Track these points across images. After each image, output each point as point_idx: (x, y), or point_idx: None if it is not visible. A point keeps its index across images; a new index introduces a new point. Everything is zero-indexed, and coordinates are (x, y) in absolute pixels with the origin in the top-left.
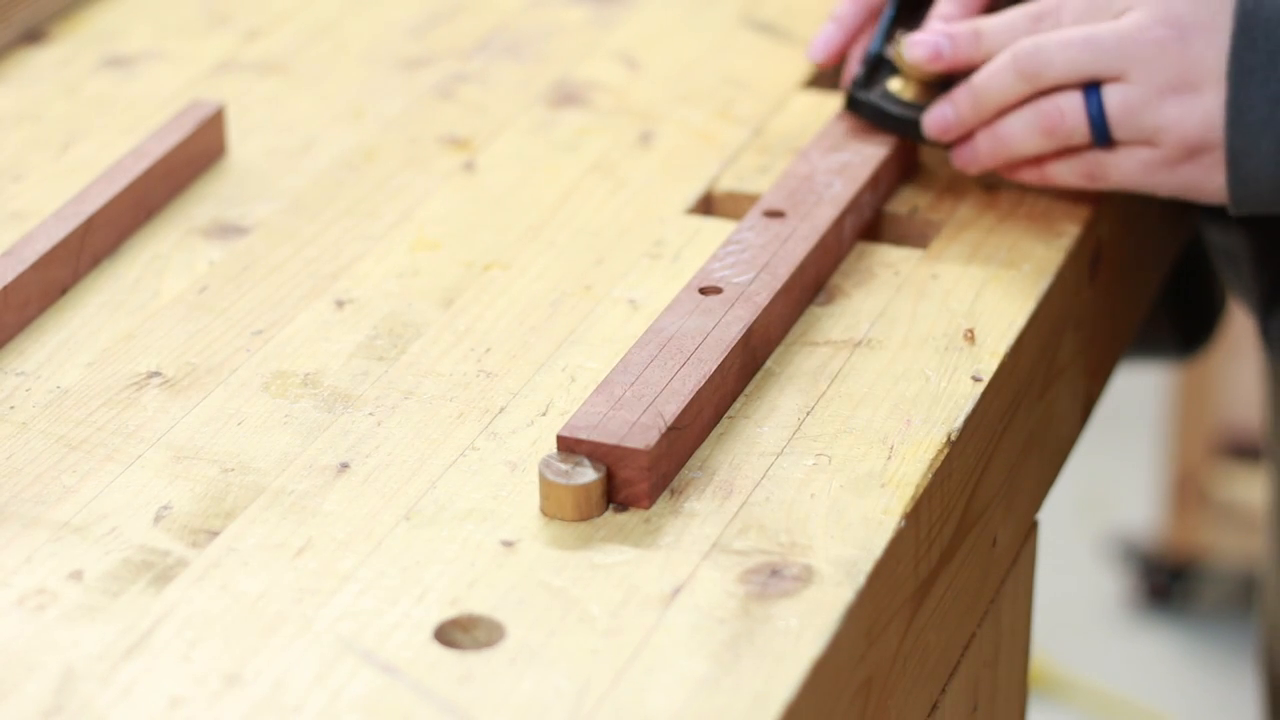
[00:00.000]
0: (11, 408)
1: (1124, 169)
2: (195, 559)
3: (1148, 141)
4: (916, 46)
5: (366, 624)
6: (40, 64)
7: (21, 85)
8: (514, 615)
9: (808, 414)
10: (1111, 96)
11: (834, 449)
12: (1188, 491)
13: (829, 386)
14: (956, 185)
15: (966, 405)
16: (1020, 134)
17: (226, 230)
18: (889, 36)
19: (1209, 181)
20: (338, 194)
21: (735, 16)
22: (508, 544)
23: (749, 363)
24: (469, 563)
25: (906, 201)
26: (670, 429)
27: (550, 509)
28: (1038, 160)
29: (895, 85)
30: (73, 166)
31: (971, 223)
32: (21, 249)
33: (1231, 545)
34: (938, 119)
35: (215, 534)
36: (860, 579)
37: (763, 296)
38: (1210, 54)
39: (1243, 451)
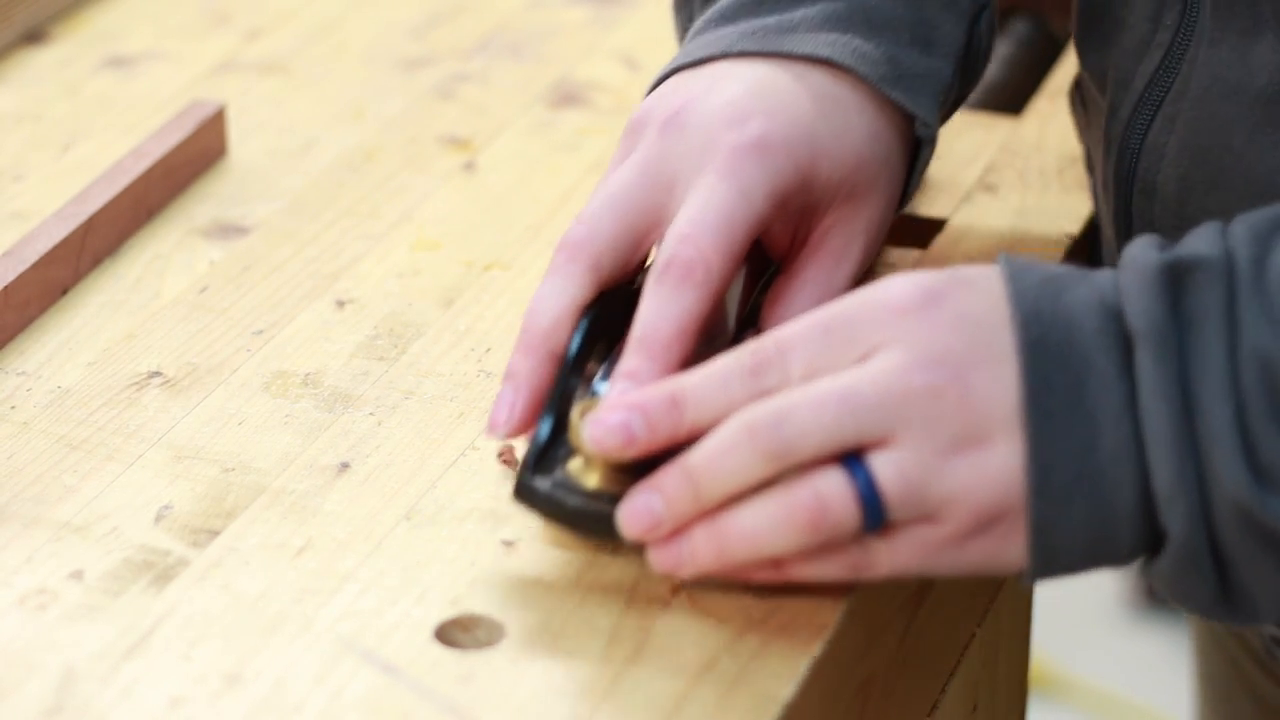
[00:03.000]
0: (12, 407)
1: (899, 556)
2: (196, 559)
3: (929, 517)
4: (598, 429)
5: (367, 624)
6: (41, 64)
7: (22, 85)
8: (515, 615)
9: None
10: (884, 469)
11: None
12: None
13: None
14: (956, 185)
15: None
16: (769, 532)
17: (227, 230)
18: (566, 400)
19: (1003, 554)
20: (338, 194)
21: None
22: (508, 544)
23: None
24: (469, 563)
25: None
26: None
27: None
28: (775, 564)
29: (575, 466)
30: (73, 166)
31: (971, 223)
32: (22, 249)
33: None
34: (640, 514)
35: (216, 534)
36: None
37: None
38: (996, 394)
39: None
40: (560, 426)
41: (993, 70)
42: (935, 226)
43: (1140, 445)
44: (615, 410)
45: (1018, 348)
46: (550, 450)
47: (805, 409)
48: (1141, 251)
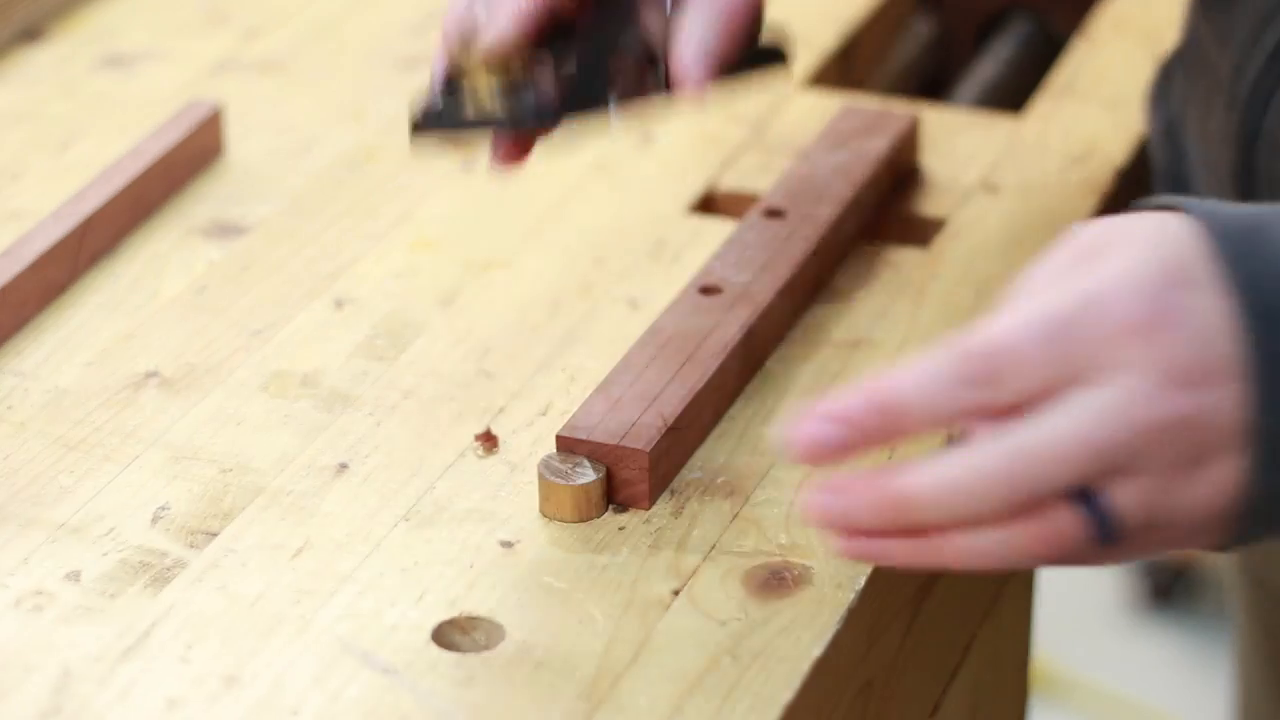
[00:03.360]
0: (9, 408)
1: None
2: (193, 560)
3: (1154, 533)
4: (805, 442)
5: (365, 625)
6: (39, 63)
7: (20, 84)
8: (514, 616)
9: None
10: (1125, 500)
11: None
12: None
13: (829, 386)
14: (956, 185)
15: None
16: (994, 552)
17: (225, 230)
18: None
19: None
20: (337, 194)
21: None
22: (507, 545)
23: (749, 363)
24: (468, 564)
25: (906, 201)
26: (670, 429)
27: (550, 509)
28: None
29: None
30: (71, 166)
31: (972, 223)
32: (19, 249)
33: None
34: (825, 499)
35: (213, 535)
36: (860, 580)
37: (763, 296)
38: (1223, 402)
39: None
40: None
41: (993, 70)
42: (935, 226)
43: None
44: (819, 421)
45: (1243, 312)
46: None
47: (1049, 452)
48: None
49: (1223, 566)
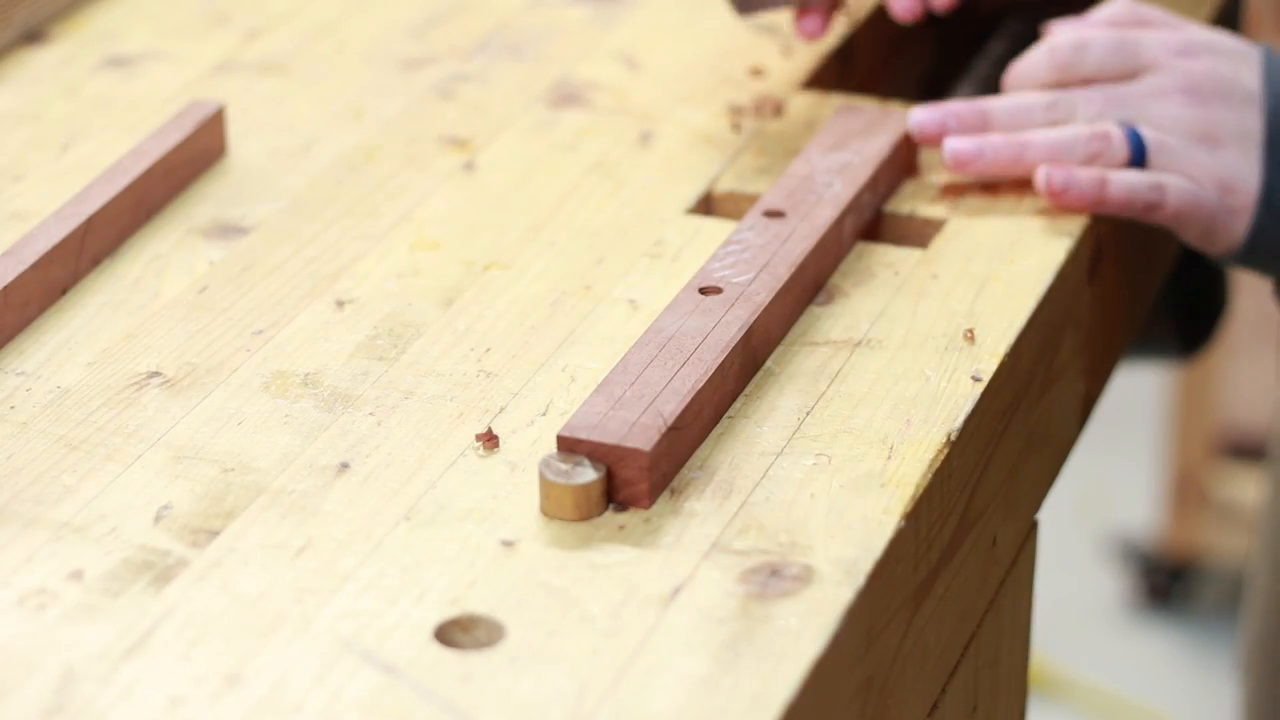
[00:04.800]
0: (12, 408)
1: (1176, 185)
2: (195, 559)
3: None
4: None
5: (366, 624)
6: (40, 64)
7: (22, 85)
8: (514, 615)
9: (808, 414)
10: (1149, 133)
11: (834, 449)
12: (1188, 491)
13: (829, 386)
14: (956, 185)
15: (966, 405)
16: (1065, 140)
17: (226, 230)
18: None
19: (1216, 227)
20: (338, 194)
21: (735, 16)
22: (508, 544)
23: (749, 363)
24: (469, 563)
25: (906, 201)
26: (670, 429)
27: (550, 509)
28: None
29: None
30: (73, 166)
31: (971, 223)
32: (21, 249)
33: (1231, 545)
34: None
35: (215, 534)
36: (860, 579)
37: (763, 296)
38: (1232, 121)
39: (1243, 451)
40: None
41: (991, 70)
42: (935, 226)
43: None
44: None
45: (1262, 110)
46: None
47: (1082, 97)
48: None
49: (1246, 557)
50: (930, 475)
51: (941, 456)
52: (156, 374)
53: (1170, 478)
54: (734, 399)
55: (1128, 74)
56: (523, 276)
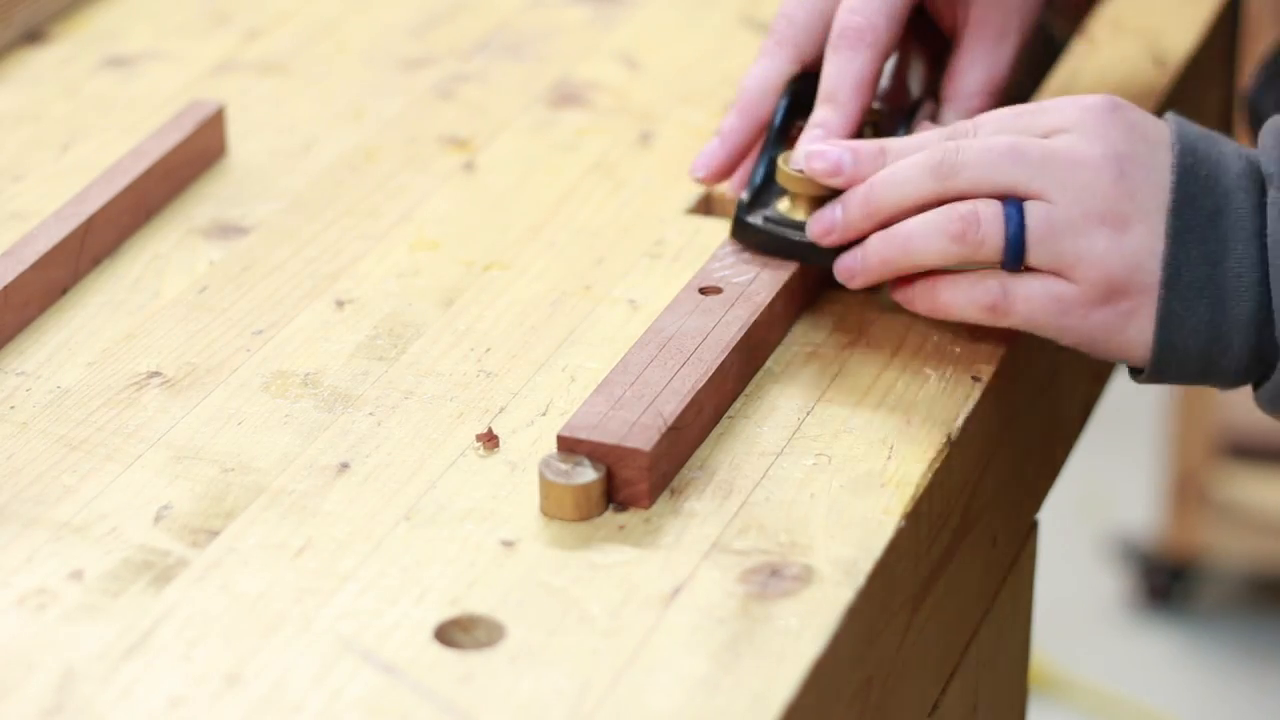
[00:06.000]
0: (12, 408)
1: (1032, 301)
2: (195, 559)
3: (1063, 272)
4: (816, 159)
5: (366, 624)
6: (40, 64)
7: (21, 85)
8: (514, 615)
9: (808, 414)
10: (1034, 212)
11: (834, 449)
12: (1188, 491)
13: (829, 386)
14: None
15: (966, 405)
16: (923, 236)
17: (226, 230)
18: (774, 156)
19: (1120, 333)
20: (338, 194)
21: (735, 16)
22: (508, 544)
23: (749, 363)
24: (469, 563)
25: None
26: (670, 429)
27: (550, 509)
28: (932, 280)
29: (784, 206)
30: (73, 166)
31: None
32: (21, 249)
33: (1231, 545)
34: (822, 220)
35: (215, 534)
36: (860, 579)
37: (763, 296)
38: (1144, 192)
39: (1243, 451)
40: (765, 186)
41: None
42: None
43: (1264, 268)
44: (834, 147)
45: (1173, 167)
46: (759, 197)
47: (978, 149)
48: (1277, 119)
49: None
50: (930, 475)
51: (942, 457)
52: (156, 374)
53: (1170, 478)
54: (734, 399)
55: (1038, 134)
56: (523, 276)
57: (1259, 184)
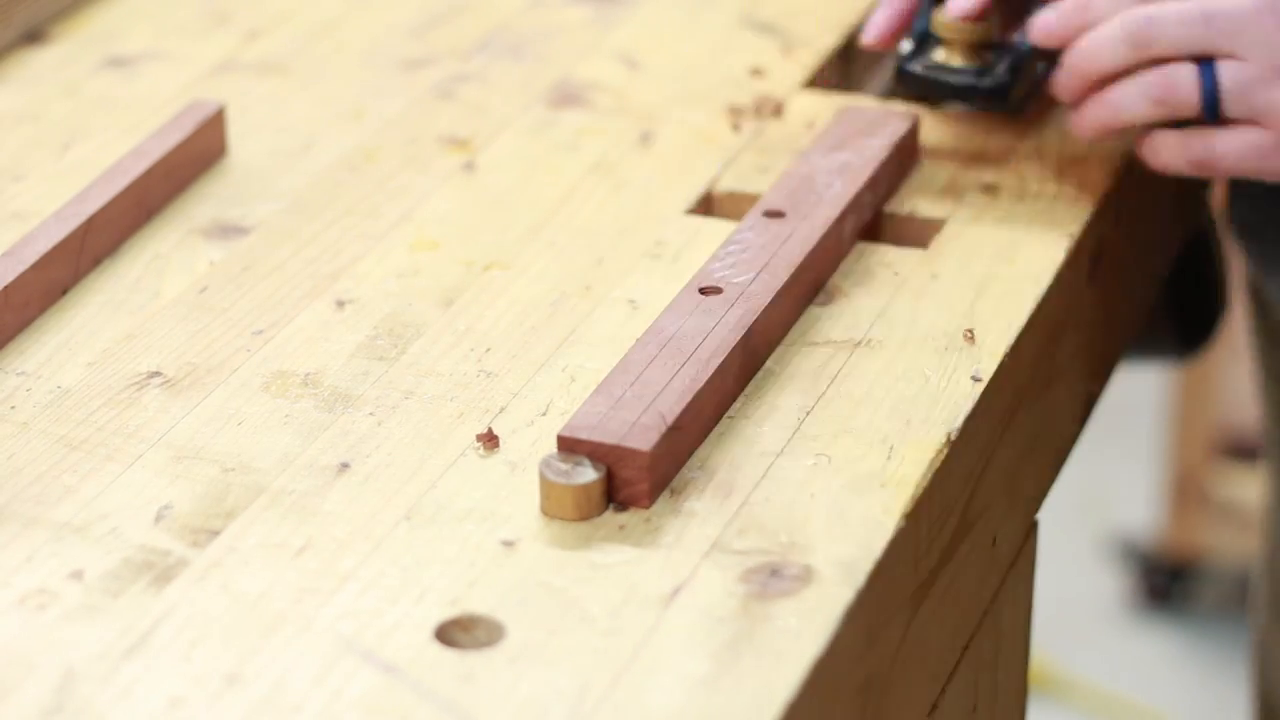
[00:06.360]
0: (12, 408)
1: (1232, 149)
2: (196, 559)
3: (1257, 121)
4: (1034, 29)
5: (367, 624)
6: (40, 64)
7: (22, 85)
8: (514, 615)
9: (808, 414)
10: (1225, 72)
11: (834, 449)
12: (1187, 491)
13: (829, 386)
14: (956, 185)
15: (966, 405)
16: (1130, 99)
17: (227, 230)
18: (933, 8)
19: None
20: (338, 194)
21: (735, 16)
22: (508, 544)
23: (749, 363)
24: (469, 563)
25: (906, 201)
26: (670, 429)
27: (550, 509)
28: (1147, 139)
29: (940, 55)
30: (73, 166)
31: (971, 223)
32: (22, 249)
33: (1231, 545)
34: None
35: (216, 534)
36: (860, 579)
37: (763, 296)
38: None
39: (1243, 451)
40: (925, 39)
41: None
42: (935, 226)
43: None
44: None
45: None
46: (920, 50)
47: (1172, 15)
48: None
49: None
50: (930, 475)
51: (942, 457)
52: (157, 374)
53: (1170, 478)
54: (734, 399)
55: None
56: (523, 276)
57: None
